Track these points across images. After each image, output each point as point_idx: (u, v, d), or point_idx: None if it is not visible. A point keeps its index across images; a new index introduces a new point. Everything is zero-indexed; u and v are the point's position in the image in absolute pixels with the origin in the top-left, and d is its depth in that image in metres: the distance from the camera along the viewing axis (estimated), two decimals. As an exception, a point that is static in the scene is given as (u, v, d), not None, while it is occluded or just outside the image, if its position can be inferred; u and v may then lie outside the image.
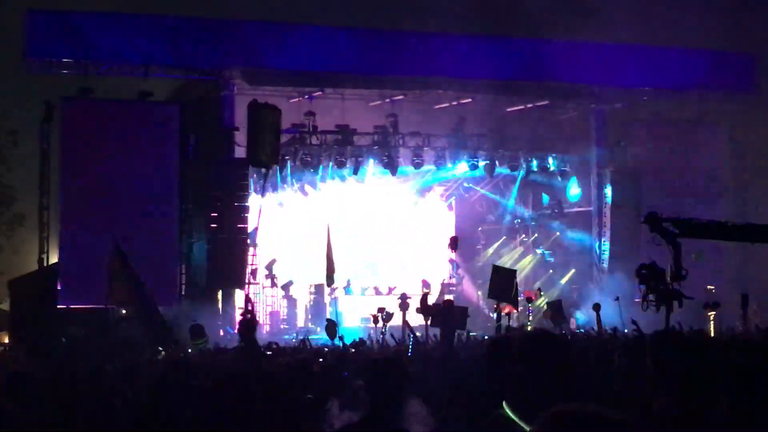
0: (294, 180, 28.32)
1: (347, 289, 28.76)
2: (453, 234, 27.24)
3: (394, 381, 5.13)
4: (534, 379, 3.77)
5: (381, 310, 19.91)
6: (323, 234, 25.92)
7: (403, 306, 21.09)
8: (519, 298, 20.10)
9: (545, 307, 23.69)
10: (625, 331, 16.20)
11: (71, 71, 24.55)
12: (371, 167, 28.22)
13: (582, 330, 22.38)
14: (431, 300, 22.60)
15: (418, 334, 17.00)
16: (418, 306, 18.84)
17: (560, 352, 3.91)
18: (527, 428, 3.67)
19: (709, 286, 25.69)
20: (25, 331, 22.58)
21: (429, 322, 17.26)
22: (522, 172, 29.46)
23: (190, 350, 17.40)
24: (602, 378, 7.56)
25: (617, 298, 19.53)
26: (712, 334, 20.94)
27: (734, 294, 22.59)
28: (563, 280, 29.09)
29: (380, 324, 19.65)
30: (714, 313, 21.06)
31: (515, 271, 19.59)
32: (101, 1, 24.97)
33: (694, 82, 27.90)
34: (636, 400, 5.64)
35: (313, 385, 5.77)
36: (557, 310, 20.75)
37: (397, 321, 21.14)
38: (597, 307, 18.71)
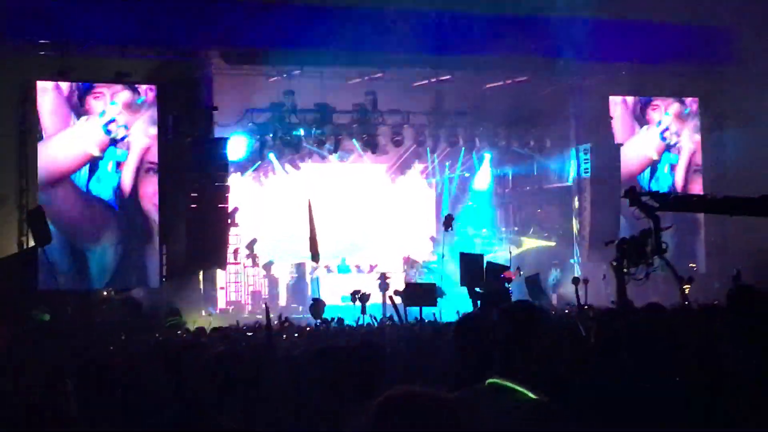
0: (274, 159, 28.26)
1: (329, 268, 28.77)
2: (448, 212, 26.94)
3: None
4: (516, 347, 3.78)
5: (356, 292, 19.34)
6: (304, 212, 25.83)
7: (383, 286, 21.02)
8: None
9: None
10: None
11: (48, 52, 24.37)
12: (351, 145, 28.21)
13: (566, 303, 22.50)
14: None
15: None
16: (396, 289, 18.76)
17: (536, 320, 3.93)
18: (531, 395, 3.67)
19: (690, 264, 25.87)
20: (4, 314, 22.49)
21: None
22: (502, 149, 29.49)
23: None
24: (580, 353, 7.59)
25: (604, 277, 19.42)
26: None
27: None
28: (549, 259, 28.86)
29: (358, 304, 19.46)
30: (689, 287, 21.20)
31: (483, 254, 19.34)
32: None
33: (673, 56, 27.87)
34: (610, 374, 5.71)
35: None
36: (535, 285, 20.60)
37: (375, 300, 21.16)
38: (576, 281, 18.49)
